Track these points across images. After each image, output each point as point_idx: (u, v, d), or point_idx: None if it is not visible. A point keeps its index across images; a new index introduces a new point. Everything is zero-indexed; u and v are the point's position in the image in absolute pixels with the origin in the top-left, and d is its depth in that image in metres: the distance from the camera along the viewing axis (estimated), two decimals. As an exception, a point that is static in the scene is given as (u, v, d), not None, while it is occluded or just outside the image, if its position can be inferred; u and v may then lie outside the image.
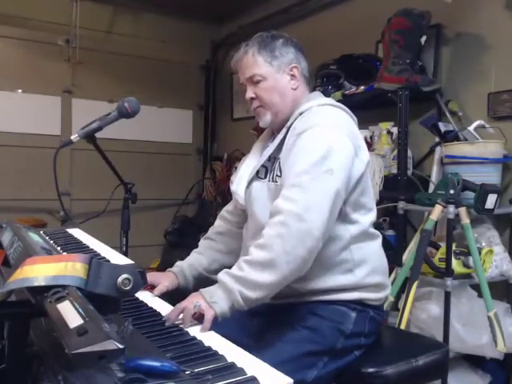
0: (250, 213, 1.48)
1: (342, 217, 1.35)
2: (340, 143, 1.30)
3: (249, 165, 1.53)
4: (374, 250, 1.43)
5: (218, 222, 1.70)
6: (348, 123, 1.41)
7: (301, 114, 1.41)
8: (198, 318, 1.14)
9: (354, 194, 1.36)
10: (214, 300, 1.18)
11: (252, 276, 1.19)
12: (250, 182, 1.48)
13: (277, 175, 1.40)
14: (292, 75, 1.46)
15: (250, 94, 1.47)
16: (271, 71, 1.44)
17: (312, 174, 1.25)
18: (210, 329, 1.10)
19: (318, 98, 1.47)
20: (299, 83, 1.48)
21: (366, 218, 1.41)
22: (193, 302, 1.17)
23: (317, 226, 1.20)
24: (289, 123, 1.42)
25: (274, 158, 1.44)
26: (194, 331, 1.02)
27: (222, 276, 1.23)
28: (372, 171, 2.47)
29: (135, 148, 4.13)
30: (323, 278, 1.35)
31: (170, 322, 1.10)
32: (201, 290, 1.24)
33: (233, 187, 1.54)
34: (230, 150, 4.27)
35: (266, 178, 1.45)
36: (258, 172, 1.47)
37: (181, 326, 1.10)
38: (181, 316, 1.14)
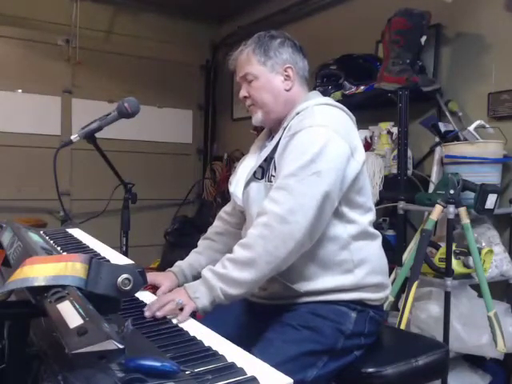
0: (248, 214, 1.48)
1: (339, 216, 1.35)
2: (333, 144, 1.29)
3: (247, 165, 1.53)
4: (373, 250, 1.42)
5: (216, 223, 1.71)
6: (344, 123, 1.39)
7: (298, 113, 1.40)
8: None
9: (349, 194, 1.35)
10: (197, 295, 1.22)
11: (233, 274, 1.22)
12: (247, 183, 1.47)
13: (272, 175, 1.40)
14: (286, 76, 1.46)
15: (243, 92, 1.49)
16: (264, 71, 1.44)
17: (299, 177, 1.25)
18: (186, 320, 1.12)
19: (316, 98, 1.46)
20: (293, 84, 1.47)
21: (365, 217, 1.40)
22: (175, 298, 1.18)
23: (299, 229, 1.22)
24: (285, 123, 1.41)
25: (270, 159, 1.44)
26: (194, 331, 1.02)
27: (206, 272, 1.27)
28: (372, 171, 2.46)
29: (135, 148, 4.13)
30: (323, 278, 1.35)
31: (150, 313, 1.12)
32: (185, 285, 1.27)
33: (231, 188, 1.53)
34: (230, 149, 4.27)
35: (262, 178, 1.45)
36: (255, 173, 1.47)
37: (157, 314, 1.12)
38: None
